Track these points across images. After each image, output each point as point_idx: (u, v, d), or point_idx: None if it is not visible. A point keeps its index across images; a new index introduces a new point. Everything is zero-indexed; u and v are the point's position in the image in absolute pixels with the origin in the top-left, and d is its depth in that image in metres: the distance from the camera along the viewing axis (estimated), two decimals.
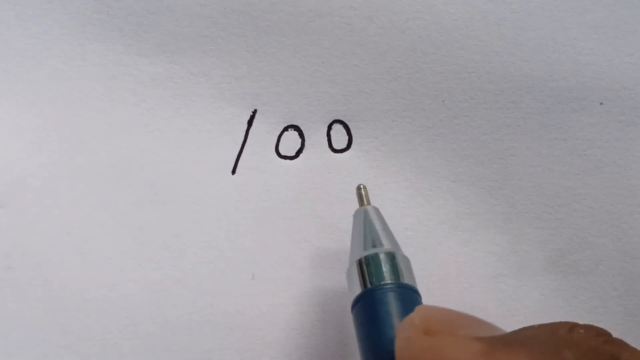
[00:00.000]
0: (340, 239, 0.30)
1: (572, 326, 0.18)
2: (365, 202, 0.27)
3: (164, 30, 0.30)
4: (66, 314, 0.30)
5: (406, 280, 0.24)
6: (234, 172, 0.31)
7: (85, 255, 0.30)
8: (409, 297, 0.23)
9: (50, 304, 0.30)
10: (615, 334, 0.18)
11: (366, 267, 0.24)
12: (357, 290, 0.24)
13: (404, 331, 0.20)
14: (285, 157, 0.31)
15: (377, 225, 0.26)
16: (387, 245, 0.25)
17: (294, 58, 0.30)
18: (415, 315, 0.20)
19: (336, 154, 0.31)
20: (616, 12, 0.30)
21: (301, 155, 0.31)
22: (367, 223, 0.26)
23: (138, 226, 0.30)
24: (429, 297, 0.30)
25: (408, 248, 0.30)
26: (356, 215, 0.27)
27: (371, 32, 0.30)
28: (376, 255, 0.24)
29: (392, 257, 0.24)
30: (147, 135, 0.31)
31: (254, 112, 0.31)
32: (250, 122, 0.31)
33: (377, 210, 0.27)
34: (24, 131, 0.31)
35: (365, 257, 0.24)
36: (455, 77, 0.30)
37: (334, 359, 0.30)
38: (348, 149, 0.31)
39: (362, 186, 0.27)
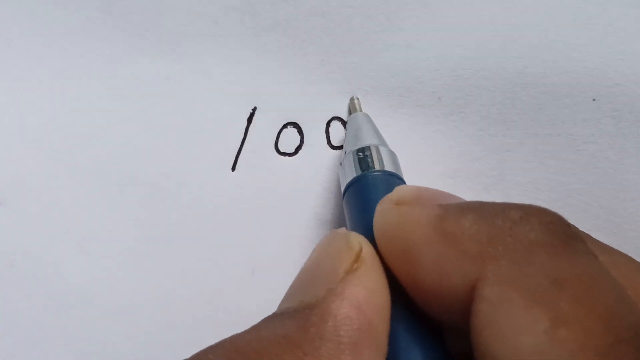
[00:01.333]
0: None
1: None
2: (358, 109, 0.30)
3: (165, 28, 0.30)
4: (66, 312, 0.30)
5: (394, 169, 0.26)
6: (233, 168, 0.31)
7: (85, 253, 0.30)
8: (396, 183, 0.25)
9: (51, 302, 0.30)
10: None
11: (358, 157, 0.26)
12: (349, 177, 0.26)
13: (380, 206, 0.20)
14: (284, 154, 0.31)
15: (369, 127, 0.28)
16: (377, 141, 0.27)
17: (293, 56, 0.30)
18: (393, 192, 0.20)
19: (335, 151, 0.31)
20: (609, 10, 0.30)
21: (300, 152, 0.31)
22: (359, 124, 0.29)
23: (138, 224, 0.30)
24: None
25: None
26: (350, 119, 0.30)
27: (369, 30, 0.30)
28: (367, 148, 0.26)
29: (381, 150, 0.26)
30: (147, 133, 0.31)
31: (254, 109, 0.31)
32: (249, 120, 0.31)
33: (368, 116, 0.30)
34: (25, 129, 0.31)
35: (357, 149, 0.26)
36: (451, 74, 0.31)
37: None
38: None
39: (355, 97, 0.30)
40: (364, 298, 0.18)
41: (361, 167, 0.26)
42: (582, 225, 0.30)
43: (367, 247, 0.19)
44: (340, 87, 0.31)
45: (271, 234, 0.30)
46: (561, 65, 0.30)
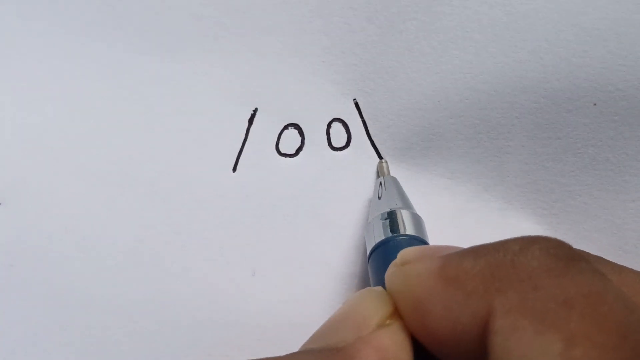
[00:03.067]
0: (339, 235, 0.30)
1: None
2: (386, 173, 0.31)
3: (166, 29, 0.30)
4: (66, 312, 0.30)
5: (419, 234, 0.26)
6: (234, 169, 0.31)
7: (85, 252, 0.30)
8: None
9: (51, 301, 0.30)
10: None
11: (384, 221, 0.27)
12: (375, 240, 0.26)
13: (388, 270, 0.21)
14: (285, 155, 0.31)
15: (395, 190, 0.29)
16: (403, 205, 0.28)
17: (295, 57, 0.30)
18: (397, 256, 0.21)
19: (335, 152, 0.31)
20: (610, 15, 0.30)
21: (301, 153, 0.31)
22: (387, 188, 0.29)
23: (138, 224, 0.30)
24: None
25: None
26: (377, 183, 0.30)
27: (370, 32, 0.30)
28: (393, 212, 0.27)
29: (406, 214, 0.27)
30: (148, 133, 0.31)
31: (255, 110, 0.31)
32: (250, 121, 0.31)
33: (395, 179, 0.30)
34: (25, 129, 0.31)
35: (383, 213, 0.27)
36: (451, 77, 0.31)
37: None
38: (347, 147, 0.31)
39: (383, 161, 0.31)
40: (392, 351, 0.18)
41: (386, 231, 0.26)
42: (582, 227, 0.31)
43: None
44: (341, 88, 0.31)
45: (272, 234, 0.30)
46: (562, 69, 0.30)
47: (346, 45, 0.30)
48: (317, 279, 0.30)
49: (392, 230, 0.26)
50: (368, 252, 0.27)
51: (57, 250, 0.30)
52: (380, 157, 0.31)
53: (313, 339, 0.20)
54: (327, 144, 0.31)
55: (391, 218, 0.27)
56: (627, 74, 0.30)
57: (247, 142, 0.31)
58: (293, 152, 0.31)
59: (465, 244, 0.30)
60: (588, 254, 0.19)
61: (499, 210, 0.31)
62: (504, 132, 0.31)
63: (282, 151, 0.31)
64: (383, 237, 0.26)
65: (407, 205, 0.28)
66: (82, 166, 0.30)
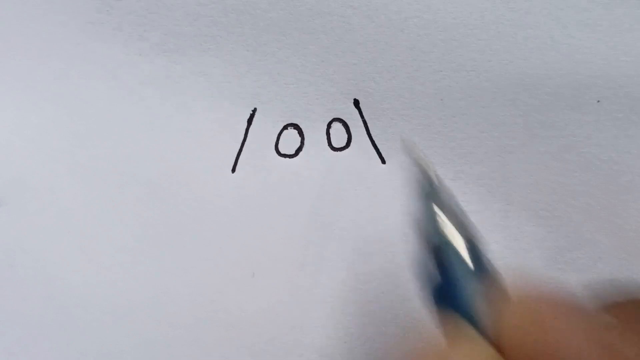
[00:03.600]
0: (339, 236, 0.30)
1: None
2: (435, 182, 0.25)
3: (164, 29, 0.30)
4: (66, 312, 0.30)
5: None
6: (233, 170, 0.31)
7: (85, 253, 0.30)
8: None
9: (51, 301, 0.30)
10: None
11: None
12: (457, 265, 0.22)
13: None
14: (284, 156, 0.31)
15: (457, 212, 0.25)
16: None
17: (294, 57, 0.30)
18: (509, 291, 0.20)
19: (336, 152, 0.31)
20: (613, 11, 0.30)
21: (301, 153, 0.31)
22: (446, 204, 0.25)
23: (138, 224, 0.30)
24: None
25: (407, 245, 0.30)
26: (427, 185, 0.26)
27: (370, 31, 0.30)
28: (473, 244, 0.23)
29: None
30: (147, 133, 0.31)
31: (254, 110, 0.31)
32: (250, 121, 0.31)
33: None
34: (24, 129, 0.31)
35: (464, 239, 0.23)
36: (453, 75, 0.30)
37: (334, 356, 0.30)
38: (347, 147, 0.31)
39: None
40: None
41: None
42: (584, 228, 0.30)
43: None
44: (341, 88, 0.31)
45: (271, 235, 0.30)
46: (565, 66, 0.30)
47: (346, 45, 0.30)
48: (317, 280, 0.30)
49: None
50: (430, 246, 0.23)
51: (57, 250, 0.30)
52: (381, 158, 0.31)
53: None
54: (327, 144, 0.31)
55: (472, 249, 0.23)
56: (631, 71, 0.30)
57: (246, 143, 0.31)
58: (293, 152, 0.31)
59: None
60: None
61: (501, 212, 0.31)
62: (507, 131, 0.31)
63: (282, 151, 0.31)
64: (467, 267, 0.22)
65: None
66: (82, 166, 0.31)
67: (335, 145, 0.31)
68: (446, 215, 0.23)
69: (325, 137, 0.31)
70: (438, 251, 0.23)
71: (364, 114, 0.31)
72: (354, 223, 0.30)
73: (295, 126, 0.31)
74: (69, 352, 0.30)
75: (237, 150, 0.31)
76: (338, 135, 0.31)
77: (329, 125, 0.31)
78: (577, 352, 0.17)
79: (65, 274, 0.30)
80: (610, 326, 0.17)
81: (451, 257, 0.22)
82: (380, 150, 0.31)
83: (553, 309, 0.18)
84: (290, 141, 0.31)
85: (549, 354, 0.17)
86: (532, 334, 0.18)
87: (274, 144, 0.31)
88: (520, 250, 0.31)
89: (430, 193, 0.25)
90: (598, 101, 0.30)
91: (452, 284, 0.22)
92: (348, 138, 0.31)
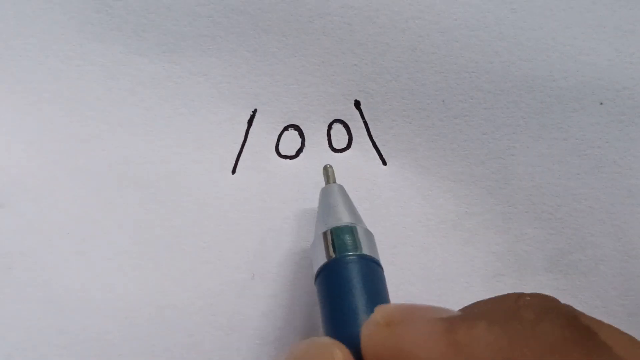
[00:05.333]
0: None
1: (518, 295, 0.19)
2: (331, 180, 0.29)
3: (164, 29, 0.30)
4: (65, 315, 0.30)
5: (369, 252, 0.24)
6: (234, 171, 0.31)
7: (84, 255, 0.30)
8: (371, 267, 0.24)
9: (49, 304, 0.30)
10: None
11: (331, 239, 0.25)
12: (322, 260, 0.24)
13: (367, 329, 0.20)
14: (285, 157, 0.31)
15: (343, 202, 0.27)
16: (351, 220, 0.26)
17: (294, 58, 0.30)
18: (376, 313, 0.20)
19: (336, 154, 0.31)
20: (616, 12, 0.30)
21: (301, 154, 0.31)
22: (333, 199, 0.27)
23: (137, 226, 0.30)
24: (429, 296, 0.30)
25: (408, 248, 0.30)
26: (322, 192, 0.28)
27: (371, 32, 0.30)
28: (342, 228, 0.25)
29: (357, 230, 0.25)
30: (146, 135, 0.31)
31: (254, 111, 0.31)
32: (250, 122, 0.31)
33: (342, 187, 0.28)
34: (23, 131, 0.31)
35: (332, 229, 0.25)
36: (455, 76, 0.30)
37: None
38: (348, 149, 0.31)
39: (328, 166, 0.29)
40: None
41: (334, 250, 0.24)
42: (587, 231, 0.30)
43: None
44: (341, 89, 0.31)
45: (271, 237, 0.30)
46: (568, 68, 0.30)
47: (347, 46, 0.30)
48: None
49: (340, 249, 0.24)
50: (315, 270, 0.25)
51: (56, 253, 0.30)
52: (382, 159, 0.31)
53: None
54: (327, 145, 0.31)
55: (339, 234, 0.25)
56: (634, 72, 0.30)
57: (246, 144, 0.31)
58: (293, 153, 0.31)
59: (468, 248, 0.30)
60: (595, 322, 0.18)
61: (503, 214, 0.31)
62: (509, 133, 0.31)
63: (282, 153, 0.31)
64: (330, 257, 0.24)
65: (357, 219, 0.26)
66: (81, 168, 0.30)
67: (335, 146, 0.31)
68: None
69: (326, 138, 0.31)
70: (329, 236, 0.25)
71: (364, 115, 0.31)
72: None
73: (296, 127, 0.31)
74: (68, 355, 0.29)
75: (238, 152, 0.31)
76: (339, 136, 0.31)
77: (329, 127, 0.31)
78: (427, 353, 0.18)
79: (64, 277, 0.30)
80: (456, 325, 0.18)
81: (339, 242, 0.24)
82: (381, 152, 0.31)
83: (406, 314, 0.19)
84: (290, 142, 0.31)
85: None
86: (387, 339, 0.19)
87: (275, 145, 0.31)
88: (522, 252, 0.31)
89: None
90: (601, 103, 0.30)
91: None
92: (349, 139, 0.31)
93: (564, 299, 0.28)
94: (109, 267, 0.30)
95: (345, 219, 0.26)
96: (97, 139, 0.31)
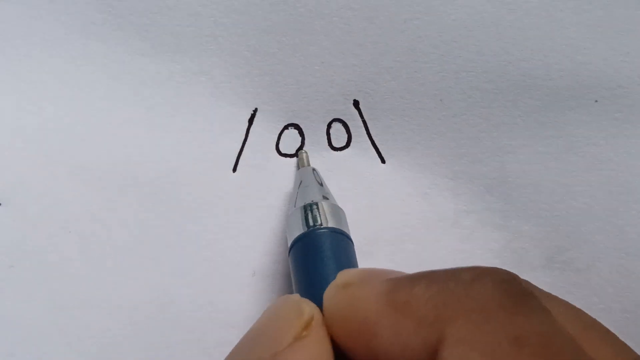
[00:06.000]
0: None
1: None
2: (306, 164, 0.31)
3: (165, 29, 0.30)
4: (67, 312, 0.30)
5: (338, 226, 0.26)
6: (234, 170, 0.31)
7: (85, 253, 0.30)
8: (342, 240, 0.25)
9: (51, 302, 0.30)
10: (612, 331, 0.19)
11: (306, 213, 0.26)
12: (296, 233, 0.26)
13: (328, 291, 0.21)
14: (285, 155, 0.31)
15: (315, 182, 0.29)
16: (323, 197, 0.27)
17: (294, 58, 0.30)
18: (338, 277, 0.21)
19: (336, 152, 0.31)
20: (612, 12, 0.30)
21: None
22: (307, 180, 0.29)
23: (138, 224, 0.30)
24: None
25: (407, 245, 0.31)
26: (297, 174, 0.30)
27: (370, 33, 0.30)
28: (314, 204, 0.27)
29: (327, 206, 0.27)
30: (148, 133, 0.31)
31: (255, 110, 0.31)
32: (250, 121, 0.31)
33: (315, 170, 0.30)
34: (26, 130, 0.31)
35: (304, 205, 0.27)
36: (453, 76, 0.30)
37: None
38: (347, 147, 0.31)
39: (304, 151, 0.31)
40: None
41: (307, 224, 0.26)
42: (584, 228, 0.30)
43: (318, 316, 0.20)
44: (341, 88, 0.31)
45: (272, 235, 0.30)
46: (564, 67, 0.30)
47: (346, 46, 0.30)
48: None
49: (312, 223, 0.26)
50: (289, 244, 0.26)
51: (57, 251, 0.30)
52: (381, 158, 0.31)
53: (232, 354, 0.20)
54: (327, 144, 0.31)
55: (311, 210, 0.26)
56: (629, 71, 0.30)
57: (247, 143, 0.31)
58: (293, 152, 0.31)
59: (466, 245, 0.31)
60: (537, 289, 0.19)
61: (501, 212, 0.31)
62: (507, 132, 0.31)
63: (282, 151, 0.31)
64: (303, 230, 0.26)
65: (328, 196, 0.28)
66: (82, 167, 0.30)
67: (335, 145, 0.31)
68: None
69: (326, 137, 0.31)
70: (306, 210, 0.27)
71: (363, 114, 0.31)
72: (354, 223, 0.30)
73: (296, 126, 0.31)
74: (69, 352, 0.30)
75: (238, 150, 0.31)
76: (338, 135, 0.31)
77: (329, 126, 0.31)
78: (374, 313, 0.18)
79: (65, 275, 0.30)
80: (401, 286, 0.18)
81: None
82: (380, 151, 0.31)
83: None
84: (290, 141, 0.31)
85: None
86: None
87: (275, 144, 0.31)
88: (519, 249, 0.31)
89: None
90: (596, 101, 0.30)
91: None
92: (348, 138, 0.31)
93: (561, 296, 0.29)
94: (110, 265, 0.30)
95: (318, 196, 0.27)
96: (99, 137, 0.31)
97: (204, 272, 0.30)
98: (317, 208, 0.26)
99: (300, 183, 0.29)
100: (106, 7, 0.30)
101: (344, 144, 0.31)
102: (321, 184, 0.29)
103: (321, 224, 0.26)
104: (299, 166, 0.31)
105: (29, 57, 0.30)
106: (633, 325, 0.30)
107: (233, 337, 0.30)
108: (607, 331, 0.19)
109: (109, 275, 0.30)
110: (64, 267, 0.30)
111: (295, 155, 0.31)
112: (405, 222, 0.31)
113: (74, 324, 0.30)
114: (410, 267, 0.30)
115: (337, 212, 0.27)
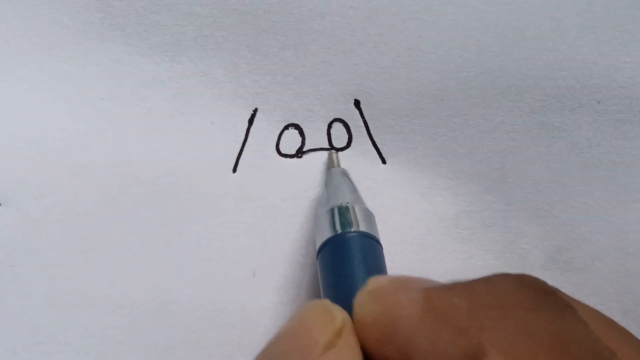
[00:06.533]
0: None
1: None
2: (337, 165, 0.30)
3: (165, 29, 0.30)
4: (68, 312, 0.30)
5: (369, 230, 0.26)
6: (234, 170, 0.31)
7: (86, 253, 0.30)
8: (372, 245, 0.25)
9: (52, 301, 0.30)
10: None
11: (337, 215, 0.26)
12: (324, 236, 0.26)
13: (359, 298, 0.20)
14: (285, 156, 0.31)
15: (346, 184, 0.29)
16: (354, 200, 0.27)
17: (294, 57, 0.30)
18: (369, 283, 0.21)
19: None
20: (614, 12, 0.30)
21: (301, 153, 0.31)
22: (337, 181, 0.29)
23: (139, 224, 0.30)
24: None
25: (407, 246, 0.31)
26: (327, 175, 0.30)
27: (371, 32, 0.30)
28: (344, 207, 0.26)
29: (358, 209, 0.26)
30: (148, 134, 0.31)
31: (255, 110, 0.31)
32: (250, 121, 0.31)
33: (346, 171, 0.30)
34: (26, 130, 0.31)
35: (333, 207, 0.27)
36: (453, 76, 0.30)
37: None
38: (348, 148, 0.31)
39: (334, 152, 0.31)
40: None
41: (338, 227, 0.26)
42: (584, 228, 0.30)
43: (349, 323, 0.20)
44: (341, 88, 0.31)
45: (272, 235, 0.30)
46: (565, 68, 0.30)
47: (346, 45, 0.30)
48: (318, 280, 0.30)
49: (343, 226, 0.26)
50: (317, 246, 0.26)
51: (59, 250, 0.30)
52: (382, 158, 0.31)
53: (262, 358, 0.20)
54: (327, 144, 0.31)
55: (342, 212, 0.26)
56: (631, 72, 0.30)
57: (247, 143, 0.31)
58: (293, 152, 0.31)
59: (467, 246, 0.31)
60: (568, 297, 0.19)
61: (501, 212, 0.31)
62: (507, 132, 0.31)
63: (283, 151, 0.31)
64: (333, 233, 0.25)
65: (358, 200, 0.28)
66: (82, 166, 0.30)
67: (335, 145, 0.31)
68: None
69: (326, 137, 0.31)
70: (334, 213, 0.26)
71: (364, 114, 0.31)
72: None
73: (296, 126, 0.31)
74: (71, 351, 0.30)
75: (238, 151, 0.31)
76: (338, 135, 0.31)
77: (329, 126, 0.31)
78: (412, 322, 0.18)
79: (66, 274, 0.30)
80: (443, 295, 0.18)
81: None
82: (381, 151, 0.31)
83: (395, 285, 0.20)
84: (291, 141, 0.31)
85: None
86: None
87: (275, 144, 0.31)
88: (520, 249, 0.31)
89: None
90: (598, 102, 0.30)
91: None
92: (348, 138, 0.31)
93: None
94: (111, 265, 0.30)
95: (348, 199, 0.27)
96: (99, 138, 0.31)
97: (204, 272, 0.30)
98: (349, 211, 0.26)
99: (330, 184, 0.29)
100: (106, 7, 0.30)
101: (344, 144, 0.31)
102: (353, 186, 0.29)
103: (352, 228, 0.25)
104: (328, 167, 0.31)
105: (29, 57, 0.30)
106: (633, 325, 0.30)
107: (233, 337, 0.30)
108: (627, 332, 0.19)
109: (109, 274, 0.30)
110: (65, 266, 0.30)
111: (296, 155, 0.31)
112: (405, 223, 0.31)
113: (74, 323, 0.30)
114: (411, 267, 0.30)
115: (369, 216, 0.27)
